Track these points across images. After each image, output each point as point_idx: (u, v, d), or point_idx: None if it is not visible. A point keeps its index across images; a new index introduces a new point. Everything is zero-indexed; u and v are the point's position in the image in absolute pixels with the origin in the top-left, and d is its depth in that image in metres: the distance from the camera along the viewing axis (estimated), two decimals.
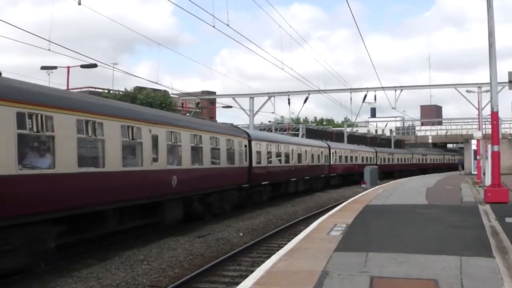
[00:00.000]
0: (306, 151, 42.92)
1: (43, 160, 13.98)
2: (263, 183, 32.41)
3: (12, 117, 12.57)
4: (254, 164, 30.67)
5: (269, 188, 34.04)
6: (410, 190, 33.67)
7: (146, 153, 18.60)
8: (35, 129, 13.33)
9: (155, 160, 19.19)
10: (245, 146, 29.54)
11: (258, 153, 31.92)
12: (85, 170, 15.21)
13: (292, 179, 38.82)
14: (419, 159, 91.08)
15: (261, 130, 52.81)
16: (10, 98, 12.67)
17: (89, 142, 15.86)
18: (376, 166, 54.20)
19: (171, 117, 23.40)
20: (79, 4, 20.01)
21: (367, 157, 65.71)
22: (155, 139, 19.22)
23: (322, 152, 48.28)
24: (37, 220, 13.53)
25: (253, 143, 30.85)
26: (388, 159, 75.68)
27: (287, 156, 38.01)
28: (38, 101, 13.70)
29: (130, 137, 17.72)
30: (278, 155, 36.28)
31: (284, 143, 38.19)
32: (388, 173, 67.91)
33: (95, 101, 18.00)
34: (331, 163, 51.11)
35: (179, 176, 20.84)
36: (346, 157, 57.28)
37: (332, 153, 52.07)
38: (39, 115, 13.42)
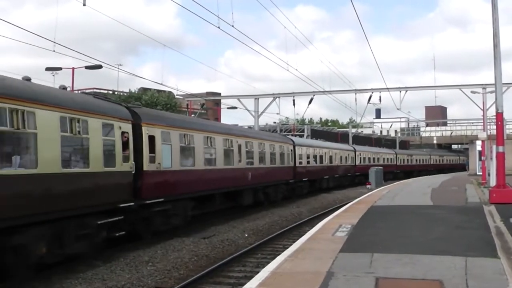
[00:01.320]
0: (336, 153, 51.29)
1: (187, 160, 22.10)
2: (303, 179, 40.12)
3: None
4: (297, 164, 38.75)
5: (308, 183, 41.40)
6: (415, 191, 33.64)
7: (235, 157, 27.22)
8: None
9: (239, 161, 27.67)
10: (291, 150, 37.74)
11: (300, 155, 39.98)
12: (209, 167, 23.92)
13: (325, 177, 46.22)
14: (436, 160, 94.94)
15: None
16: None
17: (208, 150, 24.22)
18: (382, 167, 54.30)
19: (247, 131, 34.55)
20: (84, 5, 20.09)
21: (388, 158, 72.27)
22: (239, 147, 27.62)
23: (349, 154, 56.42)
24: (184, 198, 21.18)
25: (296, 147, 39.00)
26: (407, 160, 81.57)
27: (321, 158, 46.05)
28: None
29: (228, 146, 26.33)
30: (315, 157, 44.27)
31: (319, 147, 46.52)
32: (407, 173, 74.30)
33: (206, 122, 28.08)
34: (356, 163, 58.15)
35: (252, 173, 29.20)
36: (369, 158, 64.13)
37: (357, 155, 59.51)
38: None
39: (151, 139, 18.81)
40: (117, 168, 16.68)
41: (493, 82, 25.05)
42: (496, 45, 23.57)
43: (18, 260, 12.77)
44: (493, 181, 29.92)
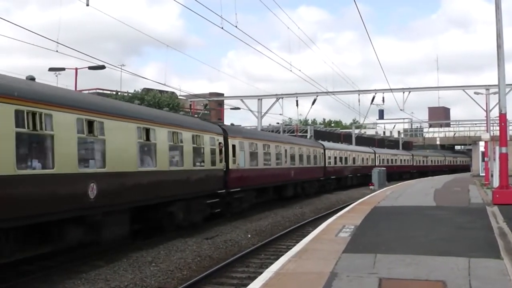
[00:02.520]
0: (358, 155, 58.96)
1: (253, 162, 29.92)
2: (332, 177, 48.20)
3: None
4: (327, 164, 46.76)
5: (335, 181, 49.74)
6: (418, 192, 33.63)
7: (283, 158, 35.00)
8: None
9: (285, 162, 35.52)
10: (322, 153, 45.79)
11: (329, 157, 48.10)
12: (266, 167, 31.76)
13: (349, 175, 54.44)
14: (450, 160, 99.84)
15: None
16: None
17: (266, 154, 31.97)
18: (385, 168, 54.46)
19: (290, 138, 43.65)
20: (87, 5, 20.12)
21: (404, 159, 79.36)
22: (285, 151, 35.54)
23: (369, 156, 63.95)
24: (251, 189, 29.04)
25: (326, 150, 47.29)
26: (423, 161, 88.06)
27: (346, 159, 53.78)
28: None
29: (278, 151, 34.01)
30: (341, 158, 52.05)
31: (344, 150, 54.94)
32: (423, 173, 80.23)
33: (264, 134, 38.84)
34: (376, 164, 63.61)
35: (294, 171, 37.04)
36: (387, 159, 71.05)
37: (377, 156, 66.80)
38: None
39: (233, 147, 26.71)
40: (217, 167, 24.45)
41: (497, 83, 25.02)
42: (499, 45, 23.55)
43: (170, 221, 20.26)
44: (496, 182, 29.89)
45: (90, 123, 14.93)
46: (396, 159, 75.14)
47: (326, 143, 50.81)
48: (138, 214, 18.17)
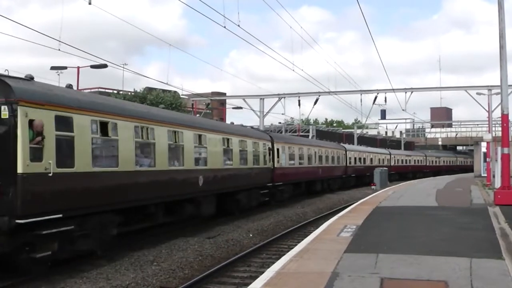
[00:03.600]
0: (375, 156, 65.10)
1: (291, 161, 36.80)
2: (352, 175, 54.62)
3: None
4: (348, 164, 53.23)
5: (355, 178, 55.88)
6: (420, 192, 33.64)
7: (313, 158, 41.97)
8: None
9: (315, 161, 42.46)
10: (344, 154, 52.52)
11: (349, 158, 54.37)
12: (300, 166, 38.83)
13: (367, 174, 57.52)
14: (461, 161, 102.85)
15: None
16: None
17: (301, 155, 39.29)
18: (387, 168, 54.69)
19: (318, 142, 49.30)
20: (90, 3, 20.12)
21: (418, 160, 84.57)
22: (315, 153, 42.58)
23: (385, 157, 69.65)
24: (289, 183, 35.96)
25: (347, 152, 53.99)
26: (436, 161, 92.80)
27: (364, 160, 60.30)
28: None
29: (310, 152, 41.01)
30: (359, 159, 58.50)
31: (363, 151, 62.15)
32: (435, 172, 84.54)
33: (299, 139, 47.13)
34: (391, 164, 70.01)
35: (322, 169, 44.00)
36: (402, 160, 76.95)
37: (392, 157, 72.15)
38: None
39: (277, 150, 33.50)
40: (267, 166, 31.41)
41: (499, 83, 25.02)
42: (502, 46, 23.54)
43: (236, 206, 26.85)
44: (498, 183, 29.89)
45: (197, 137, 22.15)
46: (410, 160, 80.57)
47: (347, 146, 58.46)
48: (219, 198, 24.76)
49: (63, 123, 13.91)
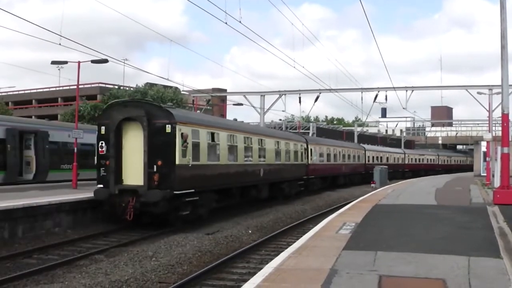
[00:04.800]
0: (391, 155, 72.76)
1: (321, 158, 46.21)
2: (370, 172, 56.60)
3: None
4: (367, 162, 61.23)
5: (372, 174, 58.59)
6: (420, 191, 33.67)
7: (338, 156, 49.94)
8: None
9: (339, 159, 50.51)
10: (363, 153, 60.97)
11: (368, 156, 62.48)
12: (328, 162, 47.44)
13: None
14: (471, 160, 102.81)
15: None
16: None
17: (328, 153, 47.82)
18: (386, 166, 54.93)
19: (343, 143, 57.17)
20: None
21: (430, 159, 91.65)
22: (339, 151, 50.91)
23: (400, 156, 77.64)
24: (319, 177, 44.69)
25: (366, 151, 62.15)
26: (447, 160, 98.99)
27: (381, 158, 67.70)
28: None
29: (337, 152, 49.75)
30: (377, 158, 66.10)
31: (380, 151, 69.88)
32: (447, 170, 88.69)
33: (329, 141, 54.42)
34: (405, 163, 78.43)
35: (345, 166, 52.64)
36: (415, 159, 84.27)
37: (406, 156, 79.87)
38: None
39: (311, 150, 41.68)
40: (303, 162, 39.44)
41: (500, 83, 25.01)
42: (503, 46, 23.54)
43: (281, 193, 34.10)
44: (497, 182, 29.91)
45: (260, 141, 30.67)
46: (423, 159, 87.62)
47: (366, 146, 66.12)
48: (270, 187, 32.51)
49: (195, 134, 22.42)
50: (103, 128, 21.75)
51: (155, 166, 20.63)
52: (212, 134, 24.14)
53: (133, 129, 21.29)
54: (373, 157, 64.00)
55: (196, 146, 22.29)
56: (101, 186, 21.41)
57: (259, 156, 30.37)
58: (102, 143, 21.69)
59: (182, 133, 21.03)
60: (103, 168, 21.47)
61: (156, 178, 20.50)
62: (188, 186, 21.56)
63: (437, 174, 77.23)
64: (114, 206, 20.69)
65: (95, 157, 22.77)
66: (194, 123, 22.82)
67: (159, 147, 20.76)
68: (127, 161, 21.39)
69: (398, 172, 71.51)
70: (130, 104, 22.89)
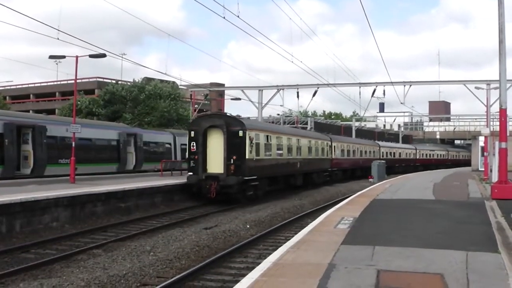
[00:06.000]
0: (403, 151, 79.71)
1: (343, 153, 55.35)
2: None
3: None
4: (381, 157, 65.41)
5: (387, 168, 61.59)
6: (417, 186, 33.66)
7: (356, 152, 58.07)
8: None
9: (358, 154, 58.88)
10: (378, 149, 67.89)
11: (382, 152, 69.26)
12: (348, 157, 55.49)
13: (396, 165, 71.17)
14: None
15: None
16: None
17: (350, 150, 56.92)
18: (384, 161, 54.94)
19: (362, 140, 67.45)
20: None
21: (441, 154, 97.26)
22: (358, 147, 59.15)
23: (411, 151, 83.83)
24: (340, 169, 53.16)
25: (381, 148, 69.37)
26: (456, 155, 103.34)
27: (394, 153, 74.90)
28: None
29: (354, 148, 57.59)
30: (391, 153, 73.13)
31: (393, 147, 76.72)
32: (456, 165, 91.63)
33: (346, 138, 65.80)
34: (417, 157, 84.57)
35: (362, 160, 59.53)
36: (426, 154, 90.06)
37: (417, 152, 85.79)
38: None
39: (334, 147, 49.66)
40: (328, 157, 47.56)
41: (497, 78, 25.00)
42: (501, 41, 23.51)
43: (311, 182, 42.40)
44: (495, 177, 29.92)
45: (297, 140, 38.72)
46: (433, 154, 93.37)
47: (381, 143, 73.48)
48: (303, 176, 40.73)
49: (257, 137, 30.60)
50: (192, 132, 29.56)
51: (231, 159, 28.65)
52: (267, 136, 32.55)
53: (215, 133, 29.33)
54: (387, 152, 71.37)
55: (257, 145, 30.53)
56: (191, 173, 29.27)
57: (297, 153, 38.33)
58: (193, 143, 29.41)
59: (249, 136, 29.23)
60: (193, 161, 29.29)
61: (232, 168, 28.63)
62: (253, 174, 29.87)
63: (447, 168, 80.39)
64: (201, 188, 28.77)
65: (187, 153, 30.87)
66: (256, 129, 31.31)
67: (234, 146, 28.82)
68: (211, 156, 29.27)
69: (410, 166, 77.60)
70: (214, 116, 32.50)
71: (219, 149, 28.98)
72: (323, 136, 48.49)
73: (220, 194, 28.53)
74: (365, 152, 62.19)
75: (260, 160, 31.08)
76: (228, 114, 33.57)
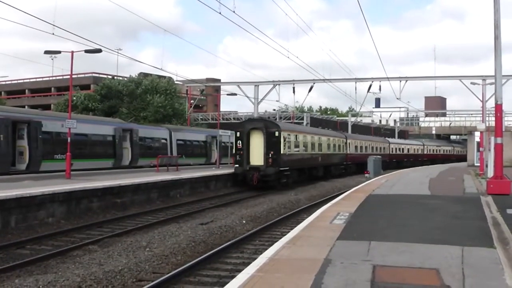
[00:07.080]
0: (411, 147, 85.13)
1: (357, 149, 62.52)
2: (393, 160, 72.94)
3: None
4: (390, 152, 72.51)
5: (395, 163, 72.55)
6: (413, 181, 33.68)
7: (367, 148, 63.80)
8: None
9: (370, 150, 63.37)
10: (387, 145, 72.95)
11: (392, 148, 74.30)
12: (358, 152, 60.71)
13: (405, 160, 78.05)
14: None
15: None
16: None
17: (361, 147, 63.61)
18: (380, 156, 54.87)
19: (373, 138, 73.55)
20: None
21: (447, 150, 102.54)
22: (369, 144, 65.76)
23: (419, 147, 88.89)
24: (353, 163, 59.44)
25: (390, 144, 74.43)
26: (461, 151, 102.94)
27: (403, 149, 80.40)
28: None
29: (365, 145, 64.65)
30: (399, 149, 78.23)
31: (402, 143, 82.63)
32: (461, 160, 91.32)
33: (355, 135, 71.31)
34: (424, 153, 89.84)
35: (371, 155, 55.15)
36: (433, 150, 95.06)
37: (425, 147, 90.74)
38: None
39: (349, 143, 56.64)
40: (343, 152, 54.41)
41: (493, 73, 25.00)
42: (497, 36, 23.49)
43: (329, 174, 49.76)
44: (490, 172, 29.96)
45: (319, 138, 46.60)
46: (440, 149, 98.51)
47: (390, 139, 79.12)
48: (324, 168, 47.83)
49: (289, 136, 38.15)
50: (238, 133, 37.03)
51: (270, 154, 35.97)
52: (296, 136, 40.37)
53: (257, 133, 36.68)
54: (396, 148, 77.43)
55: (289, 142, 38.26)
56: (238, 165, 36.70)
57: (318, 149, 45.76)
58: (239, 142, 36.72)
59: (283, 136, 36.76)
60: (239, 156, 36.67)
61: (270, 161, 35.94)
62: (286, 165, 37.27)
63: (452, 163, 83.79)
64: (245, 177, 36.13)
65: (234, 149, 38.89)
66: (288, 130, 39.26)
67: (272, 143, 36.20)
68: (253, 151, 36.46)
69: (417, 161, 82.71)
70: (255, 120, 41.58)
71: (260, 146, 36.21)
72: (339, 134, 55.90)
73: (261, 182, 35.49)
74: (376, 148, 67.62)
75: (291, 155, 38.82)
76: (267, 118, 41.73)
